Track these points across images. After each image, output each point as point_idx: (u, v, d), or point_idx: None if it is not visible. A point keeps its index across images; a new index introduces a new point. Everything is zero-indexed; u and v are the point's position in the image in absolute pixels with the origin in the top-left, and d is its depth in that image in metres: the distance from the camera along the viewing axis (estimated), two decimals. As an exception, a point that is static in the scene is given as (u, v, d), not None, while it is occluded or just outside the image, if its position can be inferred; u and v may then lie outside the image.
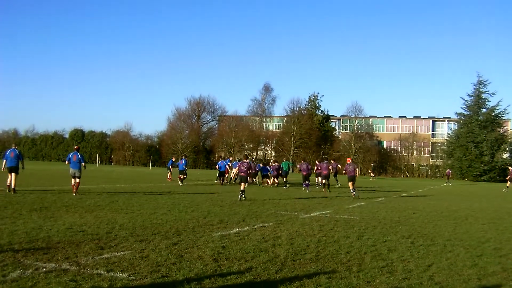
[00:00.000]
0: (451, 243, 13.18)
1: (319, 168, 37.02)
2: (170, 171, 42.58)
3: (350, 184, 29.81)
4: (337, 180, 41.84)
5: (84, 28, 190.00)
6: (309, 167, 37.76)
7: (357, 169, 32.45)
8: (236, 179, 40.02)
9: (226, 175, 41.50)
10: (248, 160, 26.61)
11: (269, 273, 8.90)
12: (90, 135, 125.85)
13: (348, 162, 31.41)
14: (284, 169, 39.03)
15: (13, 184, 23.45)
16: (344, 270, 9.41)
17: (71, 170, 24.24)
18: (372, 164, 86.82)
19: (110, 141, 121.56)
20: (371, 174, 79.37)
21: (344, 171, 31.79)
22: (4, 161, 24.47)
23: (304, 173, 36.80)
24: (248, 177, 27.62)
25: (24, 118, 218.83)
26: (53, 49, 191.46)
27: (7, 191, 23.39)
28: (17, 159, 24.50)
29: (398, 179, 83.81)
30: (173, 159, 43.43)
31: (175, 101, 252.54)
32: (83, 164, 24.75)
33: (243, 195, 24.63)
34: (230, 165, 41.58)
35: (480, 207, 25.66)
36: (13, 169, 23.98)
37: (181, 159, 38.88)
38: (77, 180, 24.06)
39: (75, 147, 26.25)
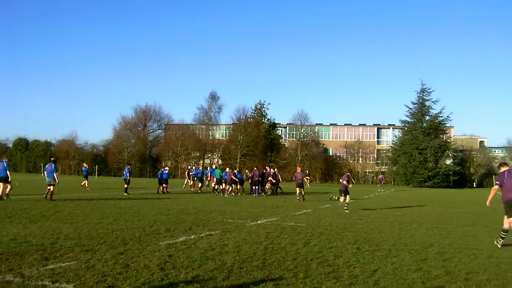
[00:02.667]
0: (396, 248, 13.39)
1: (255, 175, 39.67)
2: (87, 179, 42.47)
3: (297, 189, 34.00)
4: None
5: (25, 33, 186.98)
6: (260, 173, 39.69)
7: (306, 177, 35.95)
8: (215, 188, 40.80)
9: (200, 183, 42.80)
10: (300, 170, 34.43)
11: (216, 281, 8.92)
12: (34, 144, 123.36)
13: (297, 171, 35.59)
14: (216, 177, 39.79)
15: (1, 191, 26.33)
16: (291, 276, 9.48)
17: (47, 179, 28.03)
18: (307, 171, 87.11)
19: (55, 150, 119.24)
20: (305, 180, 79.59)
21: (294, 178, 35.42)
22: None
23: (256, 179, 39.86)
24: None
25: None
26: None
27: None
28: (5, 170, 27.01)
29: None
30: (86, 166, 44.17)
31: (121, 110, 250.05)
32: (55, 174, 28.02)
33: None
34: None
35: (424, 213, 26.08)
36: (2, 179, 26.67)
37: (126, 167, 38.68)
38: (51, 188, 27.36)
39: (51, 159, 30.46)
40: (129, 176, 37.06)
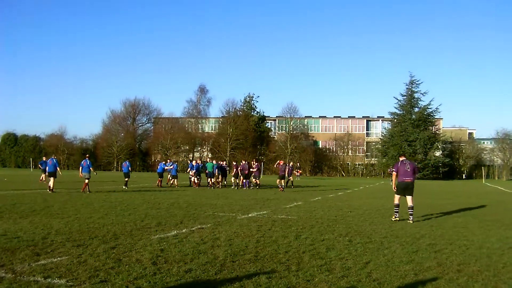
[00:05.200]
0: (387, 240, 13.41)
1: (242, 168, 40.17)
2: (45, 173, 41.68)
3: (278, 181, 38.02)
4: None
5: (13, 29, 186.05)
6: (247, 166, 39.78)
7: (297, 169, 40.52)
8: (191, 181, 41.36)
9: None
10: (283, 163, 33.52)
11: (208, 275, 8.90)
12: (23, 139, 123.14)
13: (280, 164, 40.28)
14: (208, 170, 39.70)
15: (51, 185, 29.73)
16: (284, 269, 9.47)
17: (84, 174, 30.68)
18: (298, 164, 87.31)
19: (44, 145, 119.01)
20: (295, 173, 79.96)
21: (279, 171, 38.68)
22: (46, 167, 31.87)
23: (246, 172, 39.89)
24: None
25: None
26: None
27: (48, 191, 29.31)
28: (55, 166, 30.86)
29: (334, 179, 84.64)
30: (44, 159, 43.74)
31: (110, 104, 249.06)
32: (91, 168, 31.11)
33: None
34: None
35: (414, 204, 26.10)
36: (51, 174, 30.49)
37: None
38: (86, 181, 30.35)
39: (86, 156, 33.12)
40: (130, 170, 38.32)
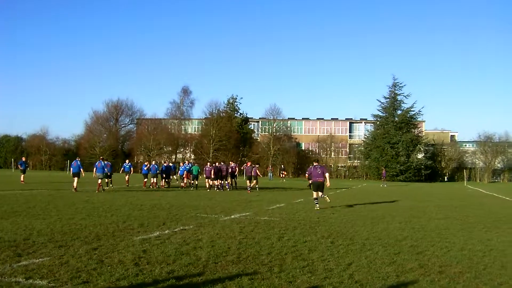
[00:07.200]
0: (369, 241, 13.46)
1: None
2: (24, 173, 43.09)
3: (247, 181, 38.98)
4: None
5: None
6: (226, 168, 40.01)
7: (282, 171, 41.37)
8: (192, 183, 40.85)
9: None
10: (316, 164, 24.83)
11: (191, 276, 8.89)
12: (4, 140, 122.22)
13: (248, 165, 40.81)
14: (193, 173, 39.83)
15: (75, 185, 32.26)
16: (266, 271, 9.48)
17: (97, 174, 33.30)
18: (282, 166, 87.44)
19: (25, 146, 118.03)
20: (281, 175, 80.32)
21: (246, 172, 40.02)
22: (71, 169, 34.39)
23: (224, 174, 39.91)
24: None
25: None
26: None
27: (73, 190, 31.62)
28: (79, 167, 33.75)
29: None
30: (24, 159, 45.62)
31: (93, 104, 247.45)
32: (106, 169, 34.18)
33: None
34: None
35: (396, 206, 26.24)
36: (75, 174, 33.44)
37: (105, 162, 38.65)
38: (99, 181, 33.01)
39: (100, 157, 37.15)
40: (111, 171, 38.70)
